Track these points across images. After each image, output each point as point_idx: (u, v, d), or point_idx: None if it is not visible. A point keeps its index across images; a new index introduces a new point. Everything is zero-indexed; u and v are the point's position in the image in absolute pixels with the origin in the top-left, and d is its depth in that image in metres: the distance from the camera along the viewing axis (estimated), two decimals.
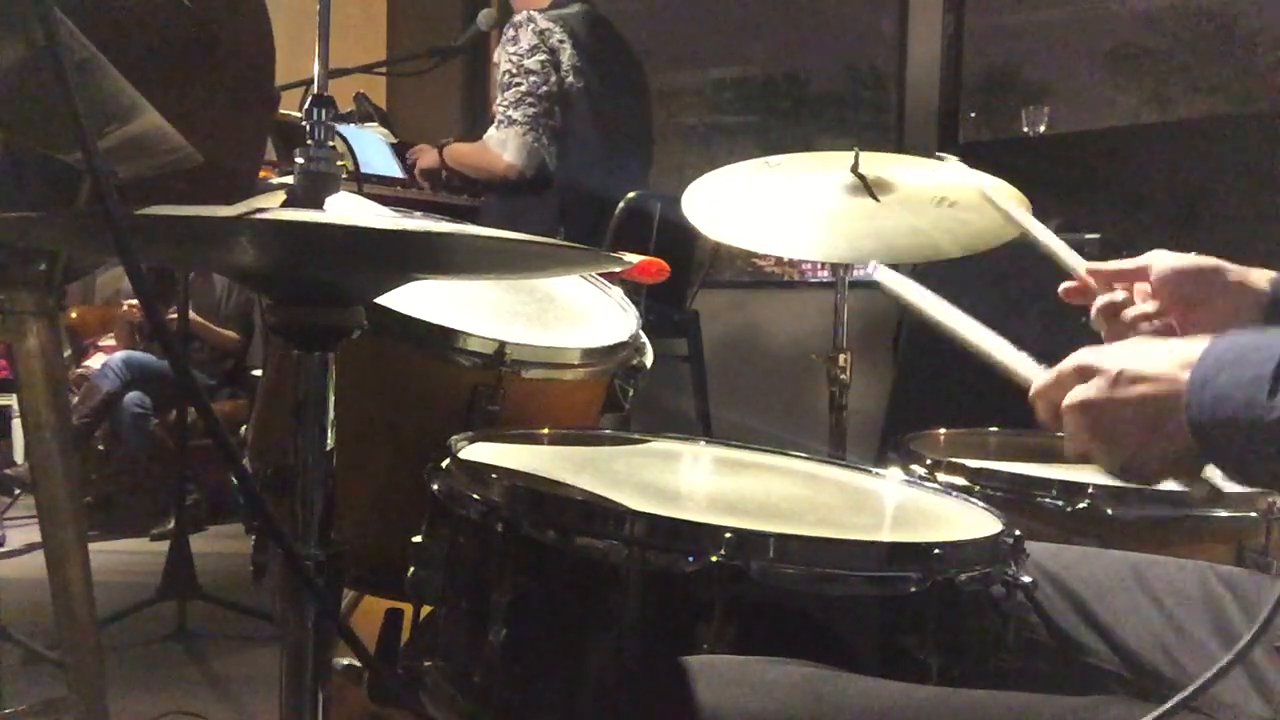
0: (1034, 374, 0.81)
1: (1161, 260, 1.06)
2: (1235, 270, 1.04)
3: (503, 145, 2.83)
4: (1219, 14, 3.69)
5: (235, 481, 0.75)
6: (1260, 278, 1.03)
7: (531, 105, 2.82)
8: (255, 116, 1.38)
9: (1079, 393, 0.74)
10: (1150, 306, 1.05)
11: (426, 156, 3.26)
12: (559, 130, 2.84)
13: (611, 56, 3.00)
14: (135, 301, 4.03)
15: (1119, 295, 1.07)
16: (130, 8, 1.18)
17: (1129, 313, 1.05)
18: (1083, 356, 0.76)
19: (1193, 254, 1.07)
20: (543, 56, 2.82)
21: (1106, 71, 3.90)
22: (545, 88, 2.82)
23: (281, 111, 2.13)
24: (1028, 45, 4.01)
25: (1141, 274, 1.07)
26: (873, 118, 4.21)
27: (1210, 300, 1.03)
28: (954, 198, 1.53)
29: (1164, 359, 0.71)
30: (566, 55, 2.84)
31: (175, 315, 2.97)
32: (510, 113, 2.83)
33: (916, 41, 3.78)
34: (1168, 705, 0.61)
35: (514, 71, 2.84)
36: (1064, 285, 1.14)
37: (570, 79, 2.84)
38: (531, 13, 2.88)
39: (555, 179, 2.86)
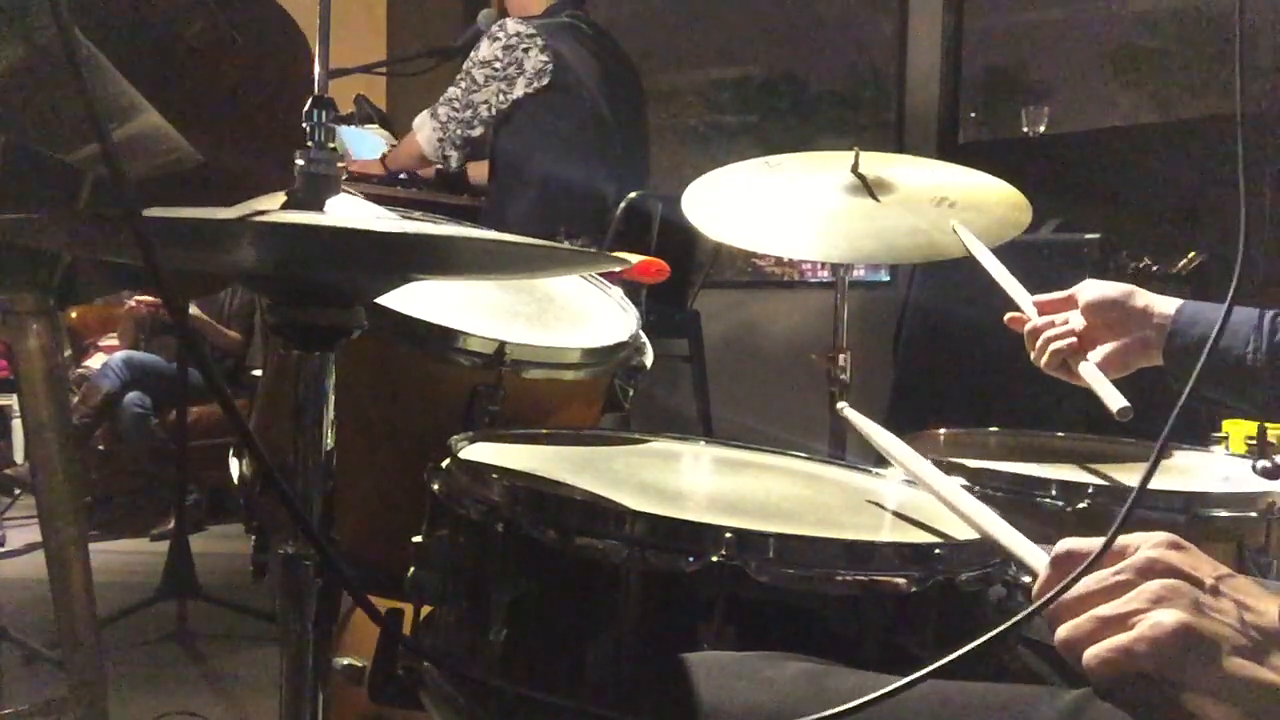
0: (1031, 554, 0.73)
1: (1088, 290, 1.25)
2: (1143, 296, 1.22)
3: (418, 130, 3.00)
4: (1219, 14, 3.69)
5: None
6: (1167, 305, 1.20)
7: (455, 110, 2.94)
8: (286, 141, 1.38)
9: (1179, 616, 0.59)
10: (1065, 328, 1.24)
11: (370, 165, 3.32)
12: (473, 140, 2.98)
13: (602, 62, 3.00)
14: (142, 297, 4.03)
15: (1041, 321, 1.26)
16: (182, 41, 1.19)
17: (1048, 334, 1.24)
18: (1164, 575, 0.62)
19: (1117, 282, 1.25)
20: (490, 72, 2.88)
21: (1106, 71, 3.90)
22: (476, 96, 2.90)
23: None
24: (1028, 45, 4.00)
25: (1072, 301, 1.26)
26: (873, 118, 4.20)
27: (1122, 322, 1.22)
28: (954, 198, 1.53)
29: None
30: (531, 62, 2.85)
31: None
32: (439, 107, 2.96)
33: (916, 41, 3.78)
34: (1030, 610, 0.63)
35: (462, 74, 2.93)
36: (1008, 315, 1.33)
37: (535, 84, 2.86)
38: (506, 20, 2.90)
39: (548, 180, 2.89)
